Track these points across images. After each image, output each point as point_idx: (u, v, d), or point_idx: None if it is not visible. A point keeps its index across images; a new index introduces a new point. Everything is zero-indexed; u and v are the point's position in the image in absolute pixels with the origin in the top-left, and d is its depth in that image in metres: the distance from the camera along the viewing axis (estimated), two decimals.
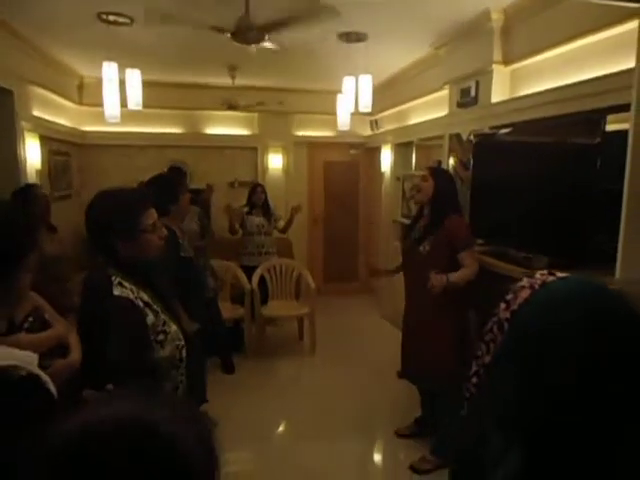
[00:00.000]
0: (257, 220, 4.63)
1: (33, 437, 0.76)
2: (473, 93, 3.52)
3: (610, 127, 2.25)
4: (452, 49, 3.78)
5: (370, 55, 3.83)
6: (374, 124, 5.92)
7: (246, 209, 4.70)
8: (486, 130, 3.37)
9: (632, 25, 2.24)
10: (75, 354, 1.13)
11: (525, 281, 0.57)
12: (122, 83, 3.53)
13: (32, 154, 3.92)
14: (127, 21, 3.33)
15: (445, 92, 4.10)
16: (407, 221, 5.14)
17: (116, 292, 1.35)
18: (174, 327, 1.53)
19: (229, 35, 2.36)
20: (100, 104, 5.27)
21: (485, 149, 3.19)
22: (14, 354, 0.84)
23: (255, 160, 5.93)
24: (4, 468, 0.70)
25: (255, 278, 4.46)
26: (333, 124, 6.03)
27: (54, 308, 2.91)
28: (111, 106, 3.32)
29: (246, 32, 2.28)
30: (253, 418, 3.36)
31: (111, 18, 3.26)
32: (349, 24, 3.44)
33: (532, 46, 3.07)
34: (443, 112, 4.17)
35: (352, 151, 6.24)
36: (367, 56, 3.82)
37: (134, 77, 3.43)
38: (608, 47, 2.49)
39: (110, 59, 3.47)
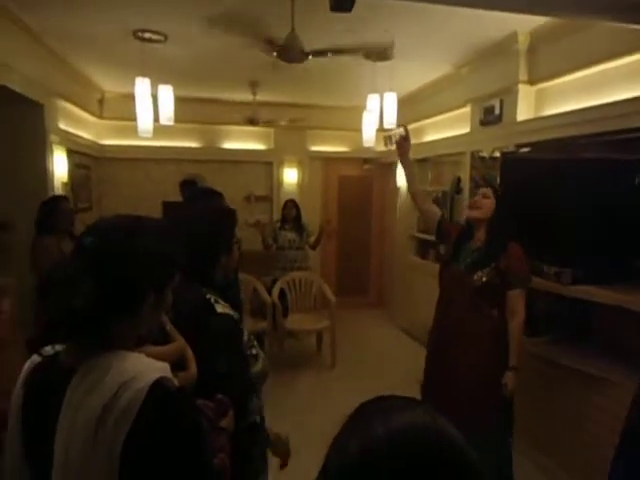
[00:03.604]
0: (289, 235, 4.70)
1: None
2: (497, 111, 3.60)
3: None
4: (474, 68, 3.87)
5: (389, 73, 3.91)
6: (388, 140, 5.99)
7: (278, 224, 4.77)
8: (511, 148, 3.45)
9: None
10: (193, 367, 1.15)
11: None
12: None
13: (59, 167, 3.96)
14: (161, 38, 3.40)
15: (464, 110, 4.20)
16: (423, 236, 5.21)
17: (219, 310, 1.35)
18: (254, 341, 1.58)
19: (275, 54, 2.43)
20: (119, 118, 5.41)
21: (514, 166, 3.25)
22: (158, 365, 0.87)
23: (271, 174, 5.99)
24: None
25: (275, 291, 4.50)
26: (347, 139, 6.16)
27: None
28: (144, 121, 3.37)
29: (292, 52, 2.35)
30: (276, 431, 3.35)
31: (146, 35, 3.33)
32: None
33: (558, 67, 3.17)
34: (461, 129, 4.26)
35: (366, 166, 6.31)
36: (386, 74, 3.91)
37: (166, 93, 3.48)
38: (637, 70, 2.58)
39: (139, 75, 3.53)
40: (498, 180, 3.41)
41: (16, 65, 3.13)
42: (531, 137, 3.29)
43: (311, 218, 5.49)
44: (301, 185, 6.04)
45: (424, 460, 0.48)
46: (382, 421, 0.51)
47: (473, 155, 3.98)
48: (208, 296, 1.35)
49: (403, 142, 2.69)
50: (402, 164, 2.81)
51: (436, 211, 2.74)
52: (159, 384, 0.82)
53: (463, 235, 2.52)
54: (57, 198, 3.35)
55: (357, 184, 6.38)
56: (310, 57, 2.45)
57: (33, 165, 3.67)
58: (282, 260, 4.73)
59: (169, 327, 1.12)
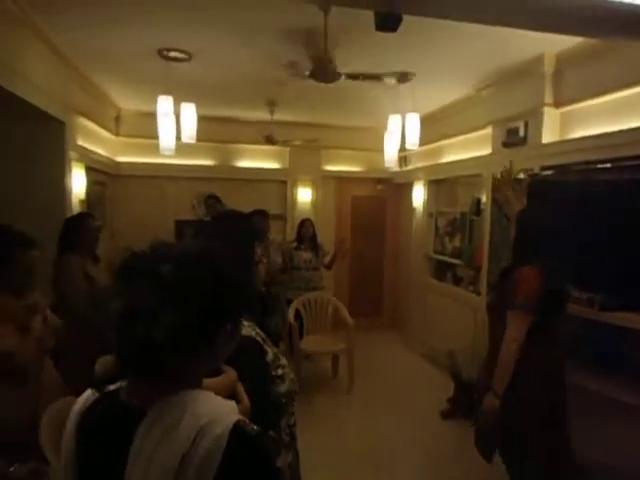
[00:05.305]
0: (305, 255, 4.64)
1: None
2: (522, 133, 3.57)
3: None
4: (497, 90, 3.86)
5: (409, 94, 3.89)
6: (403, 161, 5.98)
7: (294, 244, 4.71)
8: (536, 170, 3.41)
9: None
10: (246, 399, 1.09)
11: None
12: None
13: (77, 184, 3.92)
14: (186, 57, 3.40)
15: (484, 132, 4.17)
16: (441, 257, 5.15)
17: (243, 332, 1.32)
18: (284, 360, 1.52)
19: (307, 73, 2.40)
20: (135, 135, 5.40)
21: (542, 189, 3.20)
22: (230, 405, 0.80)
23: (285, 193, 5.96)
24: None
25: (291, 312, 4.41)
26: (361, 159, 6.16)
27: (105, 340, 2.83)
28: (166, 139, 3.34)
29: (325, 71, 2.32)
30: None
31: (172, 54, 3.32)
32: (398, 64, 3.50)
33: (585, 91, 3.14)
34: (480, 151, 4.23)
35: (379, 186, 6.29)
36: (405, 94, 3.89)
37: (189, 111, 3.46)
38: None
39: (160, 93, 3.51)
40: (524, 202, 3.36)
41: (39, 81, 3.11)
42: (557, 160, 3.25)
43: (324, 237, 5.44)
44: (315, 204, 6.00)
45: None
46: None
47: (494, 177, 3.93)
48: None
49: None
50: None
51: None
52: (239, 428, 0.75)
53: None
54: (84, 215, 3.27)
55: (370, 204, 6.35)
56: (342, 78, 2.42)
57: (52, 182, 3.62)
58: (297, 280, 4.67)
59: None
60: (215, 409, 0.77)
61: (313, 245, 4.79)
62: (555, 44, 3.13)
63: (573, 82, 3.25)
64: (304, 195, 5.95)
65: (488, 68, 3.64)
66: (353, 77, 2.34)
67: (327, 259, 4.84)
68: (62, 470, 0.88)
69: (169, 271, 0.76)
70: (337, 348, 4.45)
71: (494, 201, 3.95)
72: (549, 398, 2.25)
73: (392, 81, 2.99)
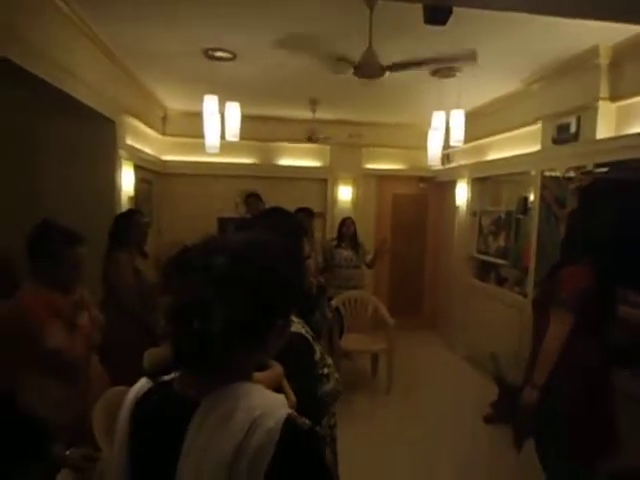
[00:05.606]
0: (345, 253, 4.64)
1: None
2: (574, 129, 3.42)
3: None
4: (548, 84, 3.72)
5: (454, 89, 3.80)
6: (446, 158, 5.86)
7: (335, 242, 4.72)
8: (590, 167, 3.26)
9: None
10: (292, 395, 1.09)
11: None
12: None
13: (126, 181, 4.06)
14: (230, 56, 3.45)
15: (533, 128, 4.03)
16: (484, 257, 5.02)
17: (292, 328, 1.29)
18: (330, 360, 1.51)
19: (351, 70, 2.39)
20: (181, 135, 5.53)
21: (599, 187, 3.05)
22: (281, 399, 0.80)
23: (325, 191, 5.97)
24: None
25: (330, 310, 4.41)
26: (403, 157, 6.08)
27: (154, 334, 2.86)
28: (211, 137, 3.41)
29: (370, 68, 2.30)
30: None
31: (217, 54, 3.38)
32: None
33: None
34: (528, 148, 4.08)
35: (421, 184, 6.19)
36: (450, 90, 3.80)
37: (233, 110, 3.52)
38: None
39: (206, 92, 3.58)
40: (576, 201, 3.22)
41: (89, 80, 3.19)
42: (613, 156, 3.09)
43: (364, 236, 5.40)
44: (355, 203, 5.97)
45: None
46: None
47: (543, 174, 3.79)
48: None
49: None
50: None
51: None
52: (291, 422, 0.75)
53: None
54: (133, 212, 3.37)
55: (412, 203, 6.26)
56: (387, 73, 2.39)
57: (102, 179, 3.75)
58: (339, 278, 4.66)
59: None
60: (267, 402, 0.78)
61: (354, 243, 4.77)
62: (611, 35, 2.98)
63: (631, 74, 3.08)
64: (344, 193, 5.94)
65: (539, 61, 3.50)
66: (398, 68, 2.29)
67: (369, 258, 4.81)
68: (115, 457, 0.90)
69: (222, 264, 0.77)
70: (377, 348, 4.41)
71: (542, 199, 3.81)
72: (593, 395, 2.17)
73: (438, 69, 2.89)
